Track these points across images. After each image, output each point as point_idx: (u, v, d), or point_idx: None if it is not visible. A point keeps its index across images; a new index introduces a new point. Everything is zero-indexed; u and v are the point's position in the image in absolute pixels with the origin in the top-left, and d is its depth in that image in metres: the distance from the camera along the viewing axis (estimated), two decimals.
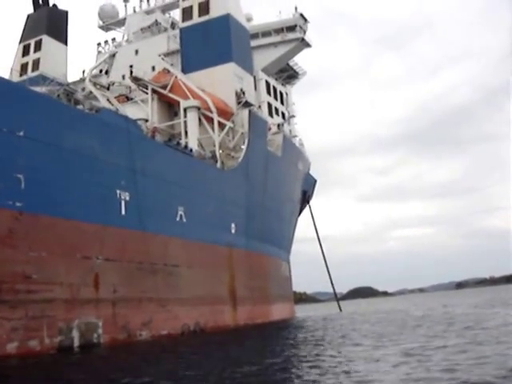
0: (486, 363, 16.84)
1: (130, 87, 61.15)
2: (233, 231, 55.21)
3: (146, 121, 54.56)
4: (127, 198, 40.43)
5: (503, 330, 27.70)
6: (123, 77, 64.15)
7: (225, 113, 58.25)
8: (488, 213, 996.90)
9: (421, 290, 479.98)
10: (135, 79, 58.61)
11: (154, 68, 63.47)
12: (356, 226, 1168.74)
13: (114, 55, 66.03)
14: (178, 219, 46.46)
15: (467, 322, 35.70)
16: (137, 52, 65.99)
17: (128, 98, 59.88)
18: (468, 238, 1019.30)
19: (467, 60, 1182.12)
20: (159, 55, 63.30)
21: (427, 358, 19.04)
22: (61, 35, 68.42)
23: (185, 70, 61.43)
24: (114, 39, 73.20)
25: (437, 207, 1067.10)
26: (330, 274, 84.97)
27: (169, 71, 60.55)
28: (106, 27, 77.58)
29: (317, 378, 16.55)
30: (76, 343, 34.50)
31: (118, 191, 39.80)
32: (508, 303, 60.60)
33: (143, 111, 57.38)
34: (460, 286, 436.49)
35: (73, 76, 66.52)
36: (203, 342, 38.94)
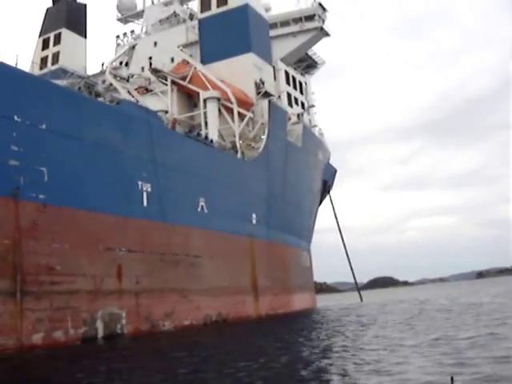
0: None
1: (149, 79, 61.19)
2: (254, 221, 55.24)
3: (166, 112, 54.63)
4: (149, 190, 40.59)
5: None
6: (142, 69, 64.19)
7: (245, 103, 58.25)
8: (508, 202, 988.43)
9: (441, 280, 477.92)
10: (154, 71, 58.69)
11: (172, 59, 63.45)
12: (376, 215, 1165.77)
13: (133, 47, 66.19)
14: (199, 210, 46.56)
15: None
16: (156, 44, 65.96)
17: (147, 90, 59.95)
18: (488, 228, 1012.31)
19: (488, 48, 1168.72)
20: (178, 46, 63.27)
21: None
22: (80, 28, 68.51)
23: (204, 61, 61.42)
24: (132, 31, 73.21)
25: (457, 196, 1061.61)
26: (350, 264, 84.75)
27: (188, 62, 60.62)
28: (124, 19, 77.71)
29: (345, 371, 16.53)
30: (100, 334, 34.74)
31: (139, 183, 39.96)
32: None
33: (163, 103, 57.48)
34: (481, 275, 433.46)
35: (92, 69, 66.59)
36: (224, 332, 39.06)
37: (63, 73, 45.44)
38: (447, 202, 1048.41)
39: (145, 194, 40.29)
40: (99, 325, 34.86)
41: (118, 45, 72.39)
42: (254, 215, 55.33)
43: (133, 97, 49.00)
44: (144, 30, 71.75)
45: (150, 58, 63.43)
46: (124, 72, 61.16)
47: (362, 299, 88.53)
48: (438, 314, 38.70)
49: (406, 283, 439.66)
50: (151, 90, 59.72)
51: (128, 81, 56.57)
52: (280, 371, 17.11)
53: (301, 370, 16.95)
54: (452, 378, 4.74)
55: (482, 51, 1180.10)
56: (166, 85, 58.56)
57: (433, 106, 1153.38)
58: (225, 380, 16.01)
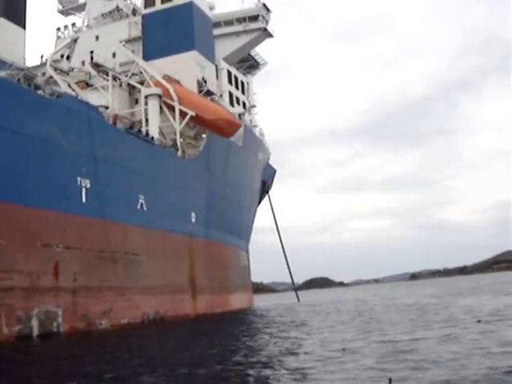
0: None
1: (89, 73, 60.07)
2: (193, 220, 55.05)
3: (107, 108, 53.79)
4: (88, 186, 39.96)
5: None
6: (83, 63, 62.94)
7: (233, 125, 57.99)
8: (442, 206, 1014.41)
9: (376, 281, 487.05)
10: (95, 65, 57.62)
11: (114, 54, 62.52)
12: (313, 216, 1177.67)
13: (75, 40, 64.91)
14: (138, 207, 46.15)
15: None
16: (97, 38, 64.74)
17: (88, 85, 58.87)
18: (422, 230, 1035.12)
19: (424, 55, 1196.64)
20: (120, 41, 62.46)
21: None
22: (19, 18, 66.58)
23: (146, 57, 60.80)
24: (73, 24, 71.72)
25: (392, 199, 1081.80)
26: (288, 264, 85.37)
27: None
28: (65, 12, 75.96)
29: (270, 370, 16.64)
30: (35, 332, 34.10)
31: (78, 178, 39.29)
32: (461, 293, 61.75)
33: (103, 98, 56.52)
34: (414, 277, 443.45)
35: (31, 61, 64.97)
36: (156, 333, 38.75)
37: (1, 64, 44.20)
38: (382, 204, 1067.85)
39: (84, 190, 39.64)
40: (34, 323, 34.19)
41: (59, 37, 70.83)
42: (193, 214, 55.14)
43: (73, 91, 48.14)
44: (86, 23, 70.40)
45: (92, 52, 62.32)
46: (65, 65, 59.94)
47: (298, 299, 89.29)
48: (375, 314, 39.28)
49: (341, 284, 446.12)
50: (92, 85, 58.69)
51: (68, 74, 55.55)
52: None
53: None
54: (390, 380, 4.79)
55: (417, 58, 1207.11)
56: (107, 80, 57.68)
57: (370, 110, 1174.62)
58: None
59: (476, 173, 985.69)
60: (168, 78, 58.29)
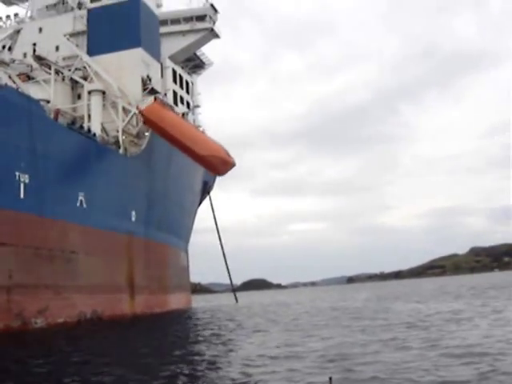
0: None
1: (31, 66, 58.78)
2: (133, 219, 54.49)
3: (48, 102, 52.72)
4: (26, 181, 39.03)
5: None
6: (25, 55, 61.49)
7: (225, 163, 55.09)
8: (379, 211, 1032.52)
9: (313, 284, 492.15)
10: (38, 58, 56.43)
11: (57, 48, 61.22)
12: (251, 218, 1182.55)
13: (18, 31, 63.29)
14: (78, 205, 45.37)
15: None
16: (41, 30, 63.21)
17: (29, 77, 57.59)
18: (360, 235, 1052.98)
19: (365, 62, 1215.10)
20: (64, 35, 61.27)
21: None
22: None
23: (90, 53, 59.86)
24: (16, 15, 70.01)
25: (331, 204, 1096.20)
26: (227, 265, 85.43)
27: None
28: (8, 1, 73.95)
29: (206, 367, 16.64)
30: None
31: (17, 173, 38.34)
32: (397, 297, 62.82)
33: (45, 92, 55.35)
34: (351, 280, 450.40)
35: None
36: (94, 331, 38.23)
37: None
38: (321, 208, 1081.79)
39: (22, 186, 38.69)
40: None
41: (0, 27, 69.10)
42: (133, 213, 54.58)
43: (14, 83, 46.98)
44: (29, 14, 68.77)
45: (34, 44, 60.90)
46: (6, 56, 58.43)
47: (237, 300, 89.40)
48: (312, 317, 39.62)
49: (279, 286, 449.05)
50: (33, 78, 57.41)
51: (9, 66, 54.22)
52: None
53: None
54: (330, 378, 4.88)
55: (359, 64, 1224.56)
56: (50, 73, 56.53)
57: (310, 114, 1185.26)
58: None
59: (413, 180, 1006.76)
60: (160, 102, 57.36)
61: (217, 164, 54.42)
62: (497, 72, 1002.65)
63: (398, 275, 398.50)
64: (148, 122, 54.99)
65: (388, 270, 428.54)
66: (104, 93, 56.37)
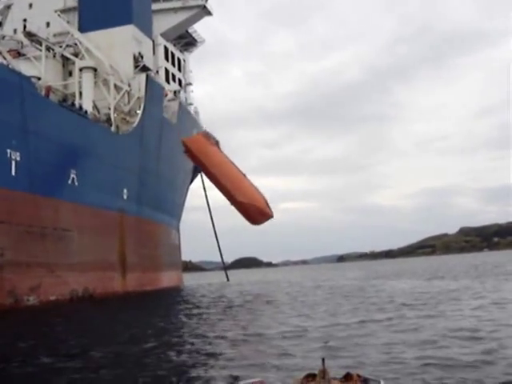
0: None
1: (22, 42, 58.19)
2: (125, 197, 54.39)
3: (39, 79, 52.27)
4: (18, 159, 38.85)
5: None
6: (15, 31, 60.84)
7: (263, 214, 53.36)
8: (371, 190, 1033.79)
9: (304, 262, 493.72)
10: (28, 34, 55.81)
11: (48, 24, 60.61)
12: None
13: (8, 7, 62.48)
14: (69, 182, 45.22)
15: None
16: (31, 6, 62.42)
17: (20, 54, 57.01)
18: (351, 214, 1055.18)
19: (359, 41, 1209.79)
20: (55, 11, 60.62)
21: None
22: None
23: (82, 29, 59.27)
24: None
25: (323, 183, 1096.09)
26: (219, 244, 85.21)
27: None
28: None
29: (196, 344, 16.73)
30: None
31: (8, 151, 38.14)
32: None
33: (35, 68, 54.84)
34: (341, 259, 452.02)
35: None
36: (89, 308, 38.35)
37: None
38: (313, 187, 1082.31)
39: (13, 163, 38.53)
40: None
41: None
42: (125, 190, 54.46)
43: (5, 59, 46.49)
44: None
45: (25, 20, 60.17)
46: None
47: (228, 279, 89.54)
48: (306, 297, 39.81)
49: (269, 264, 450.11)
50: (24, 54, 56.83)
51: None
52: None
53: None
54: (323, 359, 4.94)
55: (353, 43, 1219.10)
56: (40, 50, 55.99)
57: (303, 92, 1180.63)
58: None
59: (405, 160, 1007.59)
60: (205, 134, 56.22)
61: (254, 213, 52.56)
62: (490, 53, 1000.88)
63: (388, 254, 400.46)
64: (189, 153, 53.91)
65: (378, 249, 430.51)
66: (95, 70, 55.97)
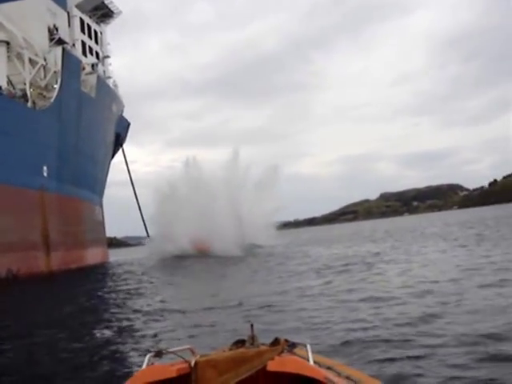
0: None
1: None
2: (45, 174, 53.17)
3: None
4: None
5: None
6: None
7: None
8: (293, 160, 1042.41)
9: None
10: None
11: None
12: (165, 169, 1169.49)
13: None
14: None
15: None
16: None
17: None
18: None
19: (278, 11, 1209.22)
20: None
21: None
22: None
23: None
24: None
25: (245, 153, 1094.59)
26: (143, 218, 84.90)
27: None
28: None
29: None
30: None
31: None
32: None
33: None
34: None
35: None
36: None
37: None
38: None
39: None
40: None
41: None
42: (45, 167, 53.23)
43: None
44: None
45: None
46: None
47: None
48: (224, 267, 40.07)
49: None
50: None
51: None
52: None
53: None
54: (252, 325, 5.12)
55: (270, 14, 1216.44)
56: None
57: (221, 62, 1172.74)
58: None
59: (324, 128, 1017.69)
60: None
61: None
62: (406, 21, 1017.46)
63: (311, 222, 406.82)
64: None
65: (302, 217, 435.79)
66: (8, 43, 53.99)
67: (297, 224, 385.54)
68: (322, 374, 4.49)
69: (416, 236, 55.12)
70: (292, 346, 5.16)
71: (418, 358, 9.44)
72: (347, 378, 4.81)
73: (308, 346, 4.93)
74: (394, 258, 30.85)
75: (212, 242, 58.26)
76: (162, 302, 21.85)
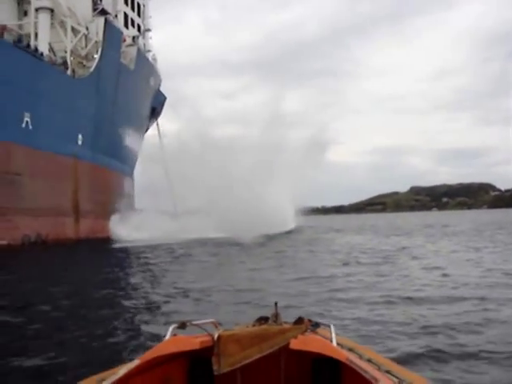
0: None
1: None
2: (79, 142, 53.70)
3: None
4: None
5: None
6: None
7: None
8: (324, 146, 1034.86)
9: None
10: None
11: None
12: None
13: None
14: (23, 126, 44.41)
15: None
16: None
17: None
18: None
19: None
20: None
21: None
22: None
23: None
24: None
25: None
26: (172, 193, 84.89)
27: None
28: None
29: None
30: None
31: None
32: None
33: None
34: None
35: None
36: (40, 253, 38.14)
37: None
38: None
39: None
40: None
41: None
42: (80, 136, 53.76)
43: None
44: None
45: None
46: None
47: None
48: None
49: None
50: None
51: None
52: None
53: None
54: (276, 304, 5.15)
55: None
56: None
57: (261, 45, 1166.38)
58: None
59: (358, 117, 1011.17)
60: None
61: None
62: (449, 15, 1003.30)
63: (339, 210, 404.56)
64: None
65: (329, 204, 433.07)
66: (52, 11, 54.29)
67: (325, 211, 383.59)
68: (343, 355, 4.48)
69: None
70: (315, 325, 5.19)
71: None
72: (369, 360, 4.81)
73: (332, 327, 4.95)
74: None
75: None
76: (189, 281, 21.97)
